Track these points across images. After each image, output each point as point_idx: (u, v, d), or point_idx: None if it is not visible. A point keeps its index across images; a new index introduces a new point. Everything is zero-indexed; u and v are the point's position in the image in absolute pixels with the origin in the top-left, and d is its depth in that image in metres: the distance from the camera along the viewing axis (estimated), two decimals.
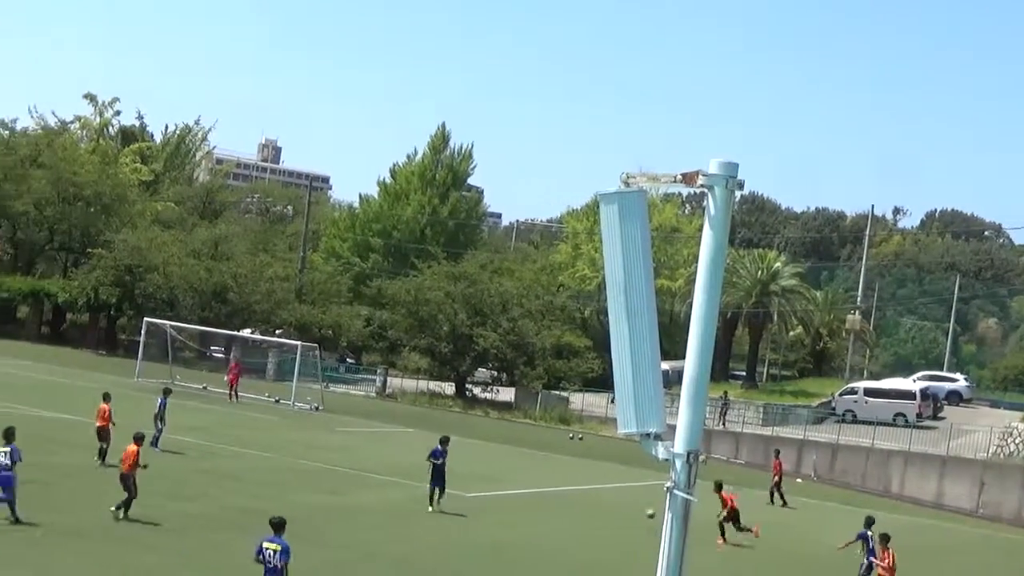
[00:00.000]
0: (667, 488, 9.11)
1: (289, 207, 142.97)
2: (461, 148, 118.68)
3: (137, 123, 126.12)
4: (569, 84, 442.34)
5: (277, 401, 65.05)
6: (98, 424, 36.21)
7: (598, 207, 9.34)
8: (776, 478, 48.45)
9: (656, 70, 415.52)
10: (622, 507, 42.49)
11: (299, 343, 70.55)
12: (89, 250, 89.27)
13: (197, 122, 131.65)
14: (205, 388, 66.09)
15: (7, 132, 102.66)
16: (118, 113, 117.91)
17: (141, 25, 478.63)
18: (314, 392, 66.75)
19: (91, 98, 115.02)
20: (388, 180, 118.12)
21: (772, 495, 48.08)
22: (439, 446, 34.47)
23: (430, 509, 33.84)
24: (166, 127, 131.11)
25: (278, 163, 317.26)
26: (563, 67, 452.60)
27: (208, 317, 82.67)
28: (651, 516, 33.99)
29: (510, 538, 32.93)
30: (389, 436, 57.84)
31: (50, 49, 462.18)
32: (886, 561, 27.74)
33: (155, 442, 39.54)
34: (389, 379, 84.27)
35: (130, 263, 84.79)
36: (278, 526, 19.34)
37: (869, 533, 29.26)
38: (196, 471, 36.92)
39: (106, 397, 37.00)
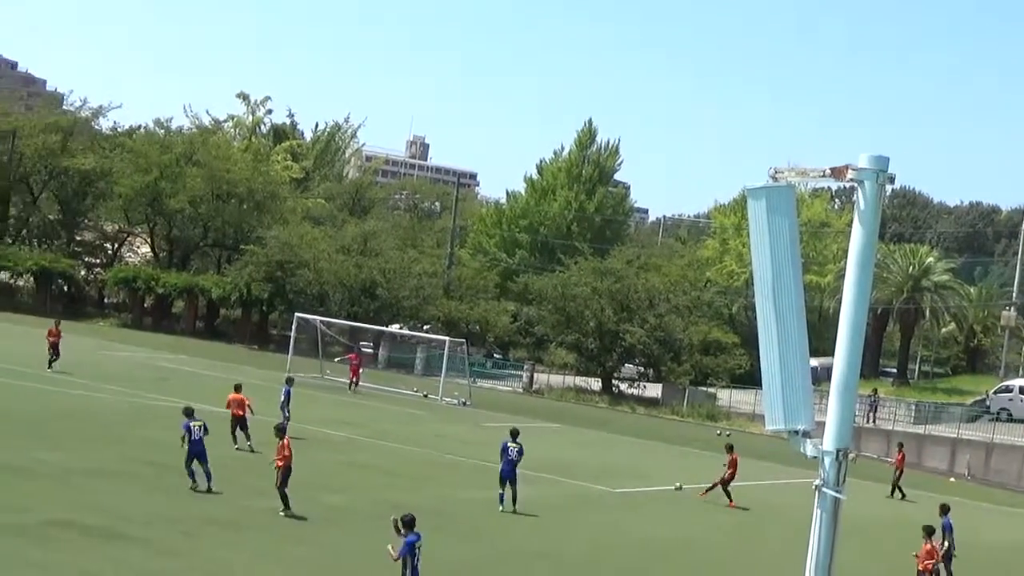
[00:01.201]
0: (816, 486, 9.02)
1: (437, 203, 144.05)
2: (608, 144, 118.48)
3: (288, 121, 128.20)
4: (717, 78, 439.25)
5: (425, 396, 65.53)
6: (234, 413, 37.57)
7: (746, 202, 9.28)
8: (898, 472, 47.83)
9: (806, 63, 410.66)
10: (770, 505, 42.14)
11: (447, 338, 70.98)
12: (242, 246, 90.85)
13: (347, 120, 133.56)
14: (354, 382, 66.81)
15: (163, 131, 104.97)
16: (270, 112, 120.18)
17: (292, 25, 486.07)
18: (462, 387, 67.12)
19: (244, 97, 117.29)
20: (535, 176, 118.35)
21: (893, 490, 47.50)
22: (507, 440, 32.72)
23: (500, 509, 31.88)
24: (316, 125, 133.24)
25: (426, 160, 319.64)
26: (711, 61, 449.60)
27: (357, 312, 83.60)
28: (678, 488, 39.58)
29: (658, 534, 32.80)
30: (536, 432, 57.89)
31: (204, 49, 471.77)
32: (926, 552, 26.97)
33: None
34: (536, 375, 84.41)
35: (281, 259, 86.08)
36: (409, 524, 19.62)
37: (949, 520, 29.11)
38: (346, 464, 37.38)
39: (237, 388, 38.54)
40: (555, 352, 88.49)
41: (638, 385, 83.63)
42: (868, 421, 70.69)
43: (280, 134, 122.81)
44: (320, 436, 43.13)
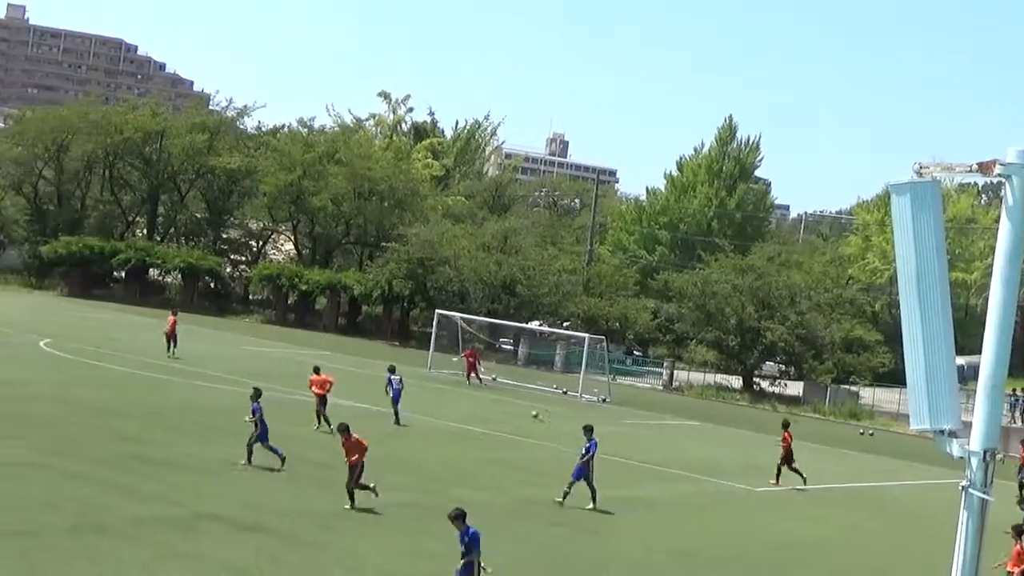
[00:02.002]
0: (962, 487, 8.87)
1: (576, 200, 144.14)
2: (748, 140, 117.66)
3: (429, 120, 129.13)
4: (859, 72, 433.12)
5: (565, 393, 65.55)
6: (316, 392, 38.74)
7: (890, 198, 9.15)
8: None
9: (951, 57, 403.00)
10: (913, 505, 41.48)
11: (586, 335, 70.90)
12: (383, 244, 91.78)
13: (486, 118, 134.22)
14: (494, 379, 67.08)
15: (306, 130, 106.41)
16: (411, 110, 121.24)
17: (433, 25, 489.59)
18: (601, 384, 67.02)
19: (385, 96, 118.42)
20: (675, 173, 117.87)
21: (1021, 487, 46.19)
22: (586, 436, 31.41)
23: (589, 506, 30.69)
24: (456, 123, 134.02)
25: (565, 157, 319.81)
26: (855, 56, 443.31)
27: (497, 309, 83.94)
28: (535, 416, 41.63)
29: (798, 533, 32.45)
30: (676, 429, 57.70)
31: (347, 49, 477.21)
32: (1016, 554, 25.96)
33: (397, 419, 41.94)
34: (676, 372, 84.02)
35: (422, 256, 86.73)
36: (457, 518, 19.64)
37: None
38: (483, 461, 37.55)
39: (316, 370, 39.71)
40: (695, 349, 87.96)
41: (779, 383, 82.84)
42: (1016, 421, 69.16)
43: (421, 132, 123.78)
44: (459, 432, 43.41)
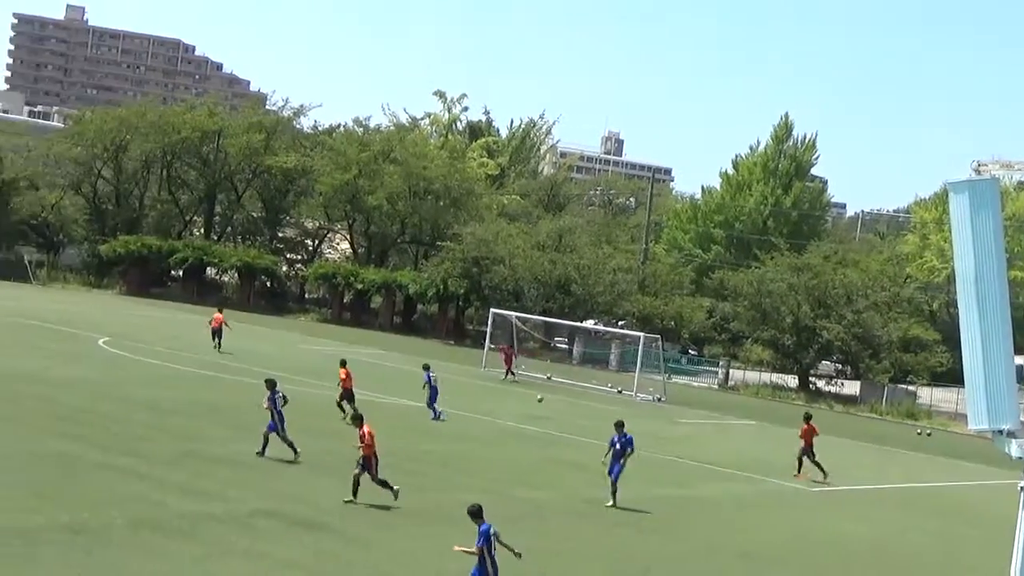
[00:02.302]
0: (1021, 487, 8.80)
1: (631, 199, 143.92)
2: (804, 138, 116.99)
3: (484, 119, 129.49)
4: (918, 68, 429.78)
5: (620, 392, 65.43)
6: (343, 386, 39.48)
7: (947, 196, 9.08)
8: None
9: (1012, 53, 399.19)
10: (971, 506, 41.13)
11: (641, 334, 70.72)
12: (438, 242, 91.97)
13: (541, 116, 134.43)
14: (549, 378, 67.05)
15: (362, 130, 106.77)
16: (466, 109, 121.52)
17: (488, 24, 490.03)
18: (656, 383, 66.86)
19: (440, 95, 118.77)
20: (730, 171, 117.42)
21: None
22: (616, 432, 30.63)
23: (609, 504, 30.03)
24: (511, 122, 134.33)
25: (620, 155, 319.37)
26: (911, 51, 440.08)
27: (552, 308, 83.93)
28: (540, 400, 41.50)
29: (856, 533, 32.22)
30: (732, 428, 57.48)
31: (402, 49, 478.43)
32: None
33: (436, 415, 42.29)
34: (731, 371, 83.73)
35: (477, 255, 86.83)
36: (473, 514, 19.49)
37: None
38: (541, 460, 37.53)
39: (343, 363, 40.34)
40: (751, 348, 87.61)
41: (835, 382, 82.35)
42: None
43: (476, 131, 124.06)
44: (515, 431, 43.42)
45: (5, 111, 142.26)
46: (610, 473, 29.98)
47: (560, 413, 51.34)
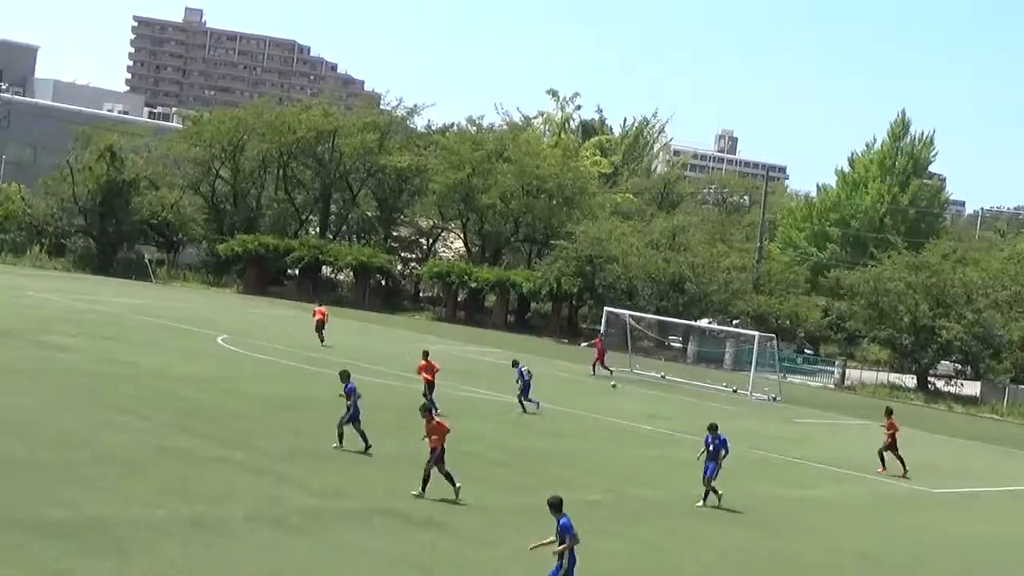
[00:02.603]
0: None
1: (745, 197, 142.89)
2: (922, 135, 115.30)
3: (597, 117, 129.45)
4: None
5: (735, 391, 64.96)
6: (424, 378, 39.66)
7: None
8: None
9: None
10: None
11: (756, 333, 70.13)
12: (551, 241, 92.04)
13: (655, 115, 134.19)
14: (663, 377, 66.77)
15: (475, 129, 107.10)
16: (579, 108, 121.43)
17: (601, 22, 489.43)
18: (771, 382, 66.29)
19: (553, 94, 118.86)
20: (846, 169, 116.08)
21: None
22: (710, 434, 30.04)
23: (699, 505, 29.54)
24: (624, 120, 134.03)
25: (734, 153, 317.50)
26: None
27: (666, 307, 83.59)
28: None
29: (978, 536, 31.68)
30: (848, 429, 56.79)
31: (516, 47, 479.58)
32: None
33: (524, 409, 42.42)
34: (847, 371, 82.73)
35: (590, 254, 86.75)
36: (553, 506, 19.16)
37: None
38: (655, 459, 37.39)
39: (425, 354, 40.72)
40: (867, 348, 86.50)
41: (955, 382, 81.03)
42: None
43: (589, 130, 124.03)
44: (630, 430, 43.29)
45: (125, 113, 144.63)
46: (705, 473, 29.59)
47: (675, 412, 51.13)
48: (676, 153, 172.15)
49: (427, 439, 26.13)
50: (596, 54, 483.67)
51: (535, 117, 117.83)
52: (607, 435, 41.25)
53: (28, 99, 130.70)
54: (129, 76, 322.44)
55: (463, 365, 58.89)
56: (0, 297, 62.15)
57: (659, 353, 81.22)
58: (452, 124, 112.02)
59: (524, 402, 42.77)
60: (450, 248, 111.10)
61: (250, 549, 20.22)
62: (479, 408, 42.06)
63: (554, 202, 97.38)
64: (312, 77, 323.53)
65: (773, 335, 72.50)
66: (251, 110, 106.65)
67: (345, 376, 30.91)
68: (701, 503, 29.31)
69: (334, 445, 30.05)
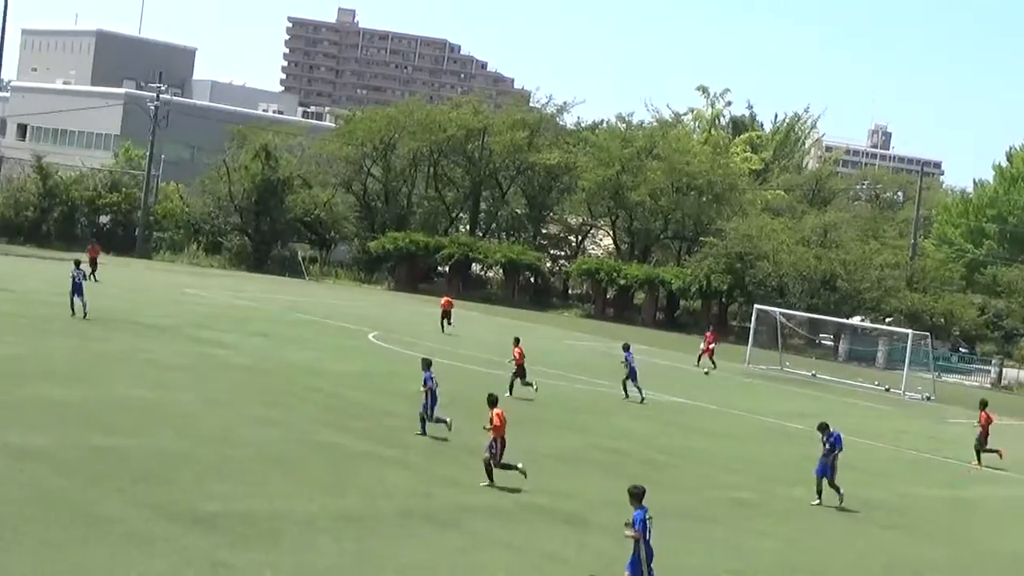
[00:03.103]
0: None
1: (899, 193, 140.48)
2: None
3: (747, 113, 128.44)
4: None
5: (887, 390, 63.93)
6: (518, 363, 40.87)
7: None
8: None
9: None
10: None
11: (910, 331, 68.95)
12: (701, 238, 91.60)
13: (806, 110, 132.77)
14: (813, 375, 66.03)
15: (624, 126, 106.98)
16: (729, 104, 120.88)
17: (750, 18, 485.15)
18: (925, 382, 65.10)
19: (703, 90, 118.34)
20: (1004, 164, 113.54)
21: None
22: (822, 434, 29.31)
23: (816, 501, 28.87)
24: (775, 116, 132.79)
25: (888, 149, 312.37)
26: None
27: (816, 304, 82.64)
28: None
29: None
30: (1005, 430, 55.43)
31: (665, 44, 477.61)
32: None
33: (636, 391, 42.75)
34: (1005, 369, 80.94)
35: (740, 251, 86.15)
36: (634, 496, 18.81)
37: None
38: (806, 457, 36.88)
39: (517, 341, 42.23)
40: None
41: None
42: None
43: (739, 126, 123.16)
44: (777, 428, 42.95)
45: (280, 112, 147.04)
46: (816, 472, 28.90)
47: (826, 411, 50.45)
48: (828, 149, 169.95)
49: (488, 428, 26.29)
50: (747, 50, 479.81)
51: (685, 114, 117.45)
52: (754, 433, 40.95)
53: (186, 100, 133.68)
54: (283, 76, 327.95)
55: (611, 363, 58.84)
56: (159, 294, 63.71)
57: (810, 351, 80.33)
58: (602, 121, 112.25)
59: (628, 388, 42.97)
60: (599, 245, 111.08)
61: (400, 544, 20.50)
62: (628, 406, 42.01)
63: (704, 199, 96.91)
64: (463, 75, 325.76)
65: (927, 333, 71.23)
66: (402, 109, 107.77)
67: (426, 364, 31.25)
68: (817, 501, 28.54)
69: (416, 433, 30.43)
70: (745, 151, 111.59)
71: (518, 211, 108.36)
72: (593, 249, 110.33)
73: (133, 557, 17.86)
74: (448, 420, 30.14)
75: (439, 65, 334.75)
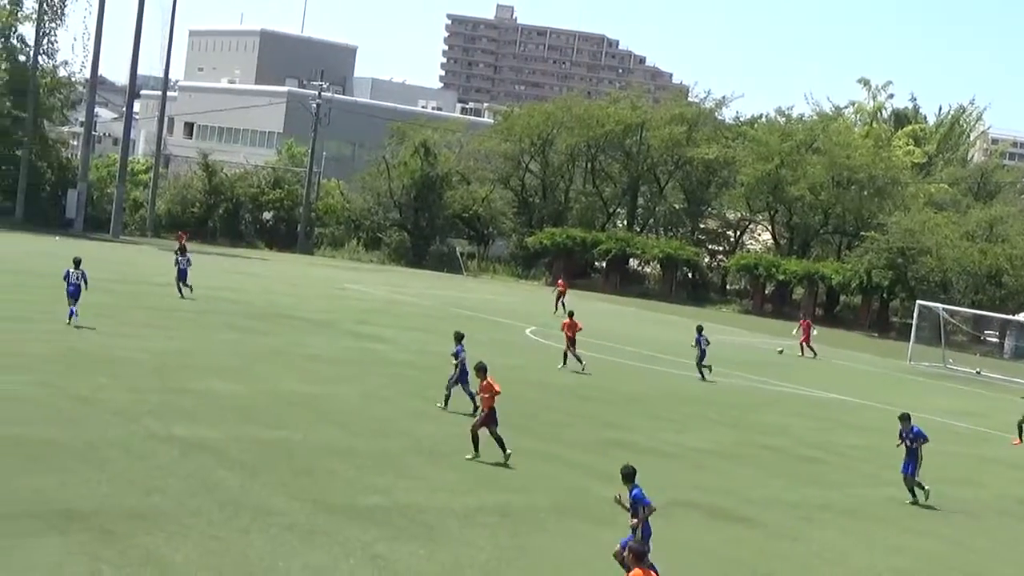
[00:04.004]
0: None
1: None
2: None
3: (910, 105, 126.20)
4: None
5: None
6: (567, 335, 43.07)
7: None
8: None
9: None
10: None
11: None
12: (862, 233, 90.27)
13: (971, 102, 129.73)
14: (978, 372, 64.66)
15: (784, 120, 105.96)
16: (891, 96, 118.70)
17: (915, 10, 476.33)
18: None
19: (865, 83, 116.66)
20: None
21: None
22: (902, 425, 28.01)
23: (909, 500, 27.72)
24: (939, 108, 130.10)
25: None
26: None
27: (981, 300, 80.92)
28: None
29: None
30: None
31: (826, 36, 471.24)
32: None
33: (703, 376, 43.57)
34: None
35: (902, 246, 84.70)
36: (625, 476, 18.64)
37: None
38: (971, 457, 36.34)
39: (571, 314, 44.61)
40: None
41: None
42: None
43: (901, 119, 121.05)
44: (940, 426, 42.08)
45: (439, 109, 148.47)
46: (903, 470, 27.75)
47: (990, 409, 49.51)
48: (994, 141, 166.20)
49: (479, 396, 26.49)
50: (910, 42, 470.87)
51: (846, 107, 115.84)
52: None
53: (347, 97, 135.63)
54: (442, 73, 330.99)
55: (769, 358, 58.40)
56: (321, 289, 64.76)
57: (974, 348, 78.68)
58: (760, 115, 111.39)
59: (702, 369, 44.04)
60: (758, 240, 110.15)
61: (557, 539, 20.61)
62: (785, 403, 41.66)
63: (865, 193, 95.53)
64: (621, 70, 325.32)
65: None
66: (560, 104, 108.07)
67: (458, 338, 31.69)
68: (911, 499, 27.53)
69: (438, 405, 30.89)
70: (908, 144, 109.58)
71: (676, 206, 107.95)
72: (751, 244, 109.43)
73: (294, 549, 18.22)
74: (476, 398, 28.78)
75: (597, 60, 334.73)
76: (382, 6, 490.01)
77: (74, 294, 38.67)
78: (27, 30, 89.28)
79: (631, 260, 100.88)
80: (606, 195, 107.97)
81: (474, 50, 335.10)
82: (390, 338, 45.98)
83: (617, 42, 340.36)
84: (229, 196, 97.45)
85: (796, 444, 33.48)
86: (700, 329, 44.69)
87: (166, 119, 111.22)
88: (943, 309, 71.10)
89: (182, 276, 49.97)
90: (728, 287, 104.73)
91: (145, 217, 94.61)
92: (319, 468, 23.35)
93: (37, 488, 19.58)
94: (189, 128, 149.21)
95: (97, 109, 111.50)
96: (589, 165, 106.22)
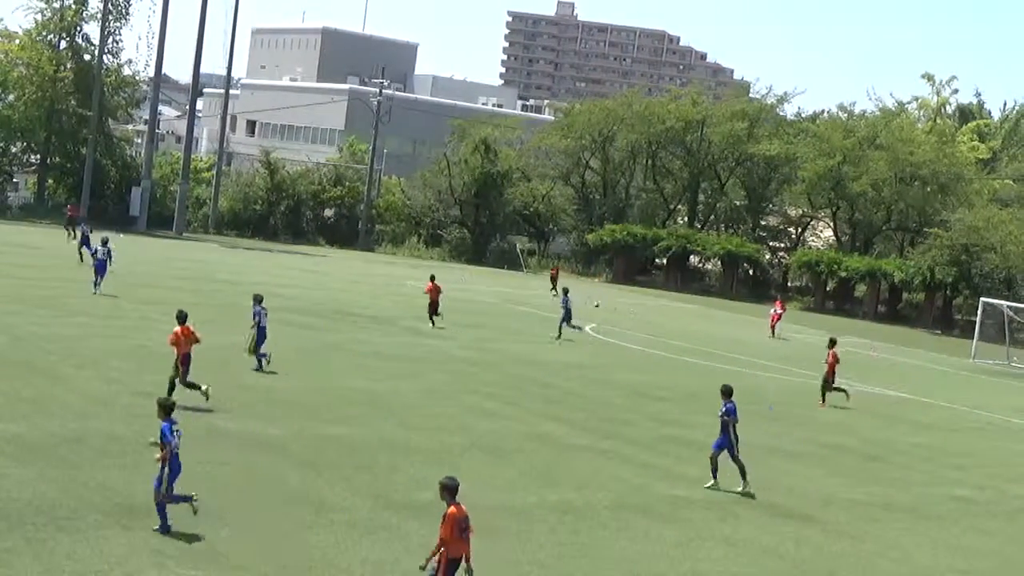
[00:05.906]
0: None
1: None
2: None
3: (975, 101, 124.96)
4: None
5: None
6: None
7: None
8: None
9: None
10: None
11: None
12: (925, 230, 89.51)
13: None
14: None
15: (846, 115, 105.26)
16: (956, 91, 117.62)
17: (981, 3, 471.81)
18: None
19: (929, 78, 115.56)
20: None
21: None
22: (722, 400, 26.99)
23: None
24: (1004, 104, 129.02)
25: None
26: None
27: None
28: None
29: None
30: None
31: (889, 32, 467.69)
32: None
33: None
34: None
35: (966, 242, 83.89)
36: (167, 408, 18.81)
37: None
38: None
39: (432, 278, 47.60)
40: None
41: None
42: None
43: (966, 114, 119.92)
44: (1002, 424, 41.82)
45: (499, 106, 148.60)
46: (713, 446, 25.52)
47: None
48: None
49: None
50: (975, 37, 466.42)
51: (909, 102, 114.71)
52: (978, 429, 39.96)
53: (408, 95, 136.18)
54: (503, 70, 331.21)
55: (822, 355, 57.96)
56: (381, 286, 65.02)
57: None
58: (822, 111, 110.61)
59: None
60: (819, 237, 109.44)
61: (616, 536, 20.64)
62: (843, 400, 41.36)
63: (928, 189, 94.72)
64: (681, 67, 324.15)
65: None
66: (621, 101, 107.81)
67: (258, 299, 33.82)
68: (711, 483, 25.16)
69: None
70: (972, 140, 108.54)
71: (737, 203, 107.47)
72: (813, 241, 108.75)
73: (356, 544, 18.37)
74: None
75: (658, 57, 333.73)
76: (443, 3, 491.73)
77: (100, 269, 44.95)
78: (92, 29, 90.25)
79: (691, 257, 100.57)
80: (666, 192, 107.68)
81: (535, 47, 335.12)
82: (450, 335, 46.09)
83: (678, 38, 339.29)
84: (291, 193, 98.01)
85: (859, 442, 33.30)
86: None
87: (229, 117, 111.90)
88: (1007, 306, 70.38)
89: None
90: (789, 284, 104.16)
91: (208, 214, 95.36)
92: (380, 464, 23.49)
93: (102, 483, 19.82)
94: (251, 126, 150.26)
95: (161, 107, 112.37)
96: (649, 162, 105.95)
